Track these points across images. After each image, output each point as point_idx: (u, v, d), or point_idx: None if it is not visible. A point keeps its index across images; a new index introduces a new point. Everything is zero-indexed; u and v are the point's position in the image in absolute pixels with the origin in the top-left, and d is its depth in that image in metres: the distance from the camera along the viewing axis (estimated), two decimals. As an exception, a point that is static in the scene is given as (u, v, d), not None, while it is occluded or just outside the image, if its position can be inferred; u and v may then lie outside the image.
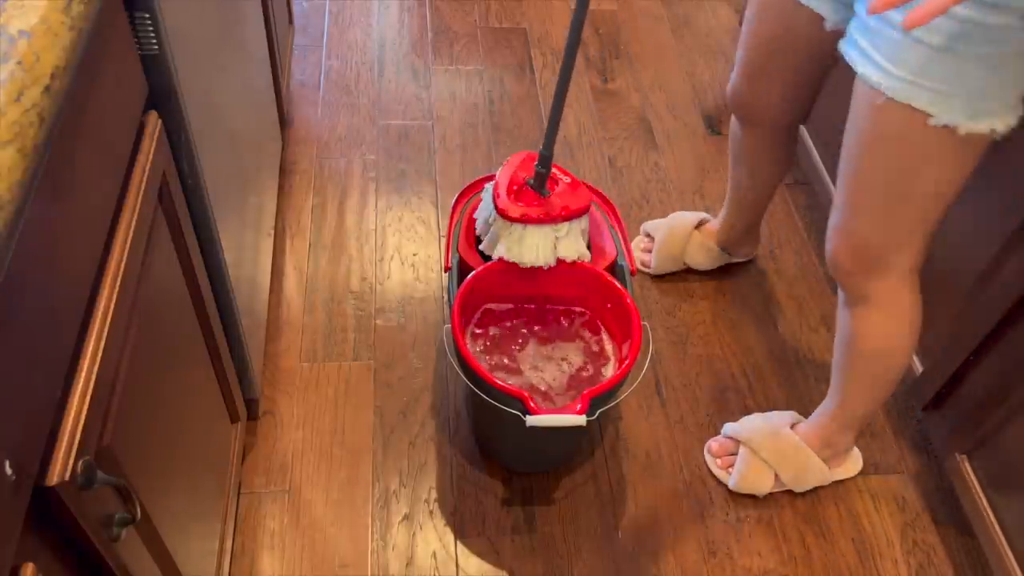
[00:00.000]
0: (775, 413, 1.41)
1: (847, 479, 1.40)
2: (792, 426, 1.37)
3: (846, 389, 1.26)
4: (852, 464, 1.41)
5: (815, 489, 1.39)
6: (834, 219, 1.10)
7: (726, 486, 1.38)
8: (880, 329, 1.15)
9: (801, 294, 1.67)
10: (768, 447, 1.35)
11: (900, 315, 1.13)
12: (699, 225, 1.65)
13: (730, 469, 1.38)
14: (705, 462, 1.41)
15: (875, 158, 0.99)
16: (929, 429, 1.38)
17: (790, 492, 1.38)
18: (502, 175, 1.34)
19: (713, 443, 1.41)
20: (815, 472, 1.35)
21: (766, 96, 1.29)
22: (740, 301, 1.66)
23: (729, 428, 1.40)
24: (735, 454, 1.38)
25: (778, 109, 1.31)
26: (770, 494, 1.37)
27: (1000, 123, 0.90)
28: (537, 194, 1.31)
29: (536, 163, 1.31)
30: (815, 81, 1.26)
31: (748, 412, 1.45)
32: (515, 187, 1.32)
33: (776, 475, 1.35)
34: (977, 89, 0.88)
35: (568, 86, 1.22)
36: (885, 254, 1.07)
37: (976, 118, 0.89)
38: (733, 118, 1.42)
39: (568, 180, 1.36)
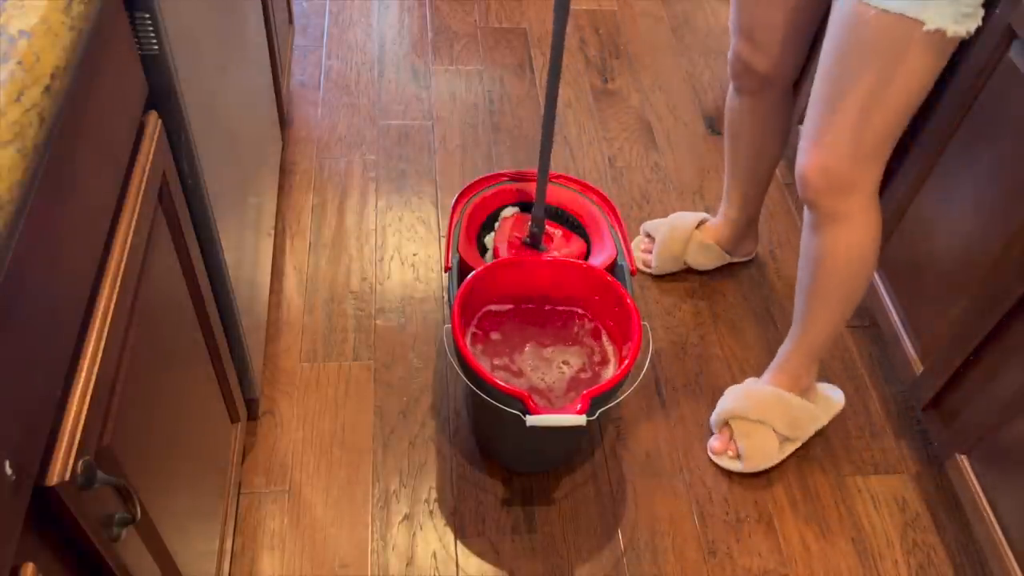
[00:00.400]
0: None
1: (835, 415, 1.43)
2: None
3: (812, 314, 1.29)
4: (834, 399, 1.44)
5: (815, 490, 1.39)
6: (807, 138, 1.13)
7: (725, 487, 1.38)
8: (850, 246, 1.19)
9: (801, 294, 1.67)
10: (750, 405, 1.37)
11: (867, 229, 1.18)
12: (699, 225, 1.65)
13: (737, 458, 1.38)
14: (710, 460, 1.41)
15: (860, 70, 1.03)
16: (929, 429, 1.38)
17: (790, 492, 1.38)
18: (498, 240, 1.42)
19: (714, 442, 1.41)
20: (802, 412, 1.38)
21: (765, 48, 1.31)
22: (740, 301, 1.66)
23: (713, 416, 1.42)
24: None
25: (777, 59, 1.32)
26: (770, 495, 1.38)
27: (973, 25, 0.99)
28: (535, 251, 1.40)
29: (531, 223, 1.39)
30: (808, 28, 1.28)
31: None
32: (513, 251, 1.40)
33: (774, 431, 1.37)
34: None
35: (552, 141, 1.29)
36: (855, 170, 1.12)
37: (959, 21, 0.98)
38: (730, 95, 1.44)
39: (560, 232, 1.44)
